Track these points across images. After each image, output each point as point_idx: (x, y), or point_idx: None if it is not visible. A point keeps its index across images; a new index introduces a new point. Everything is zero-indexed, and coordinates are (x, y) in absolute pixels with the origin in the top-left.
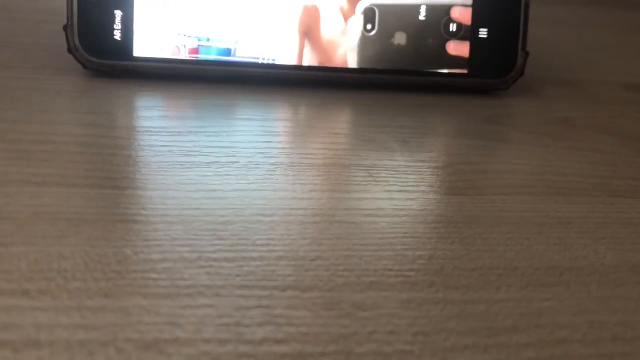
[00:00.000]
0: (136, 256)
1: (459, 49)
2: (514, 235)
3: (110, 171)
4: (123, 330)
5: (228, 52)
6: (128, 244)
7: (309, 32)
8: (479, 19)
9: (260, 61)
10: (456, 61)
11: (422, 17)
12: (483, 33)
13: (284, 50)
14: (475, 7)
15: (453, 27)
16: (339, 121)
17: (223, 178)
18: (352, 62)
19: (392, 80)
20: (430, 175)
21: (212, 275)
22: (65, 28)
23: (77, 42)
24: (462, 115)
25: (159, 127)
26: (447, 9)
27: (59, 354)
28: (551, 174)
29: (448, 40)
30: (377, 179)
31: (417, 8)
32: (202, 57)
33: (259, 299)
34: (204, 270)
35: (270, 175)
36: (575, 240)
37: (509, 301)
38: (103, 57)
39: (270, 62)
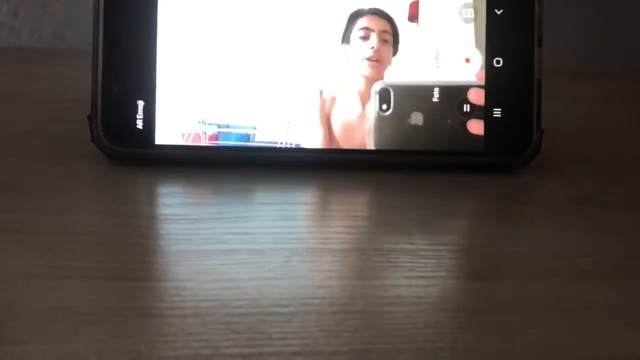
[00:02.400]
0: (149, 353)
1: (474, 127)
2: (536, 325)
3: (128, 262)
4: None
5: (247, 137)
6: (142, 339)
7: (328, 117)
8: (492, 98)
9: (277, 145)
10: (472, 140)
11: (435, 99)
12: (497, 113)
13: (304, 135)
14: (487, 87)
15: (467, 108)
16: (357, 203)
17: (239, 266)
18: (370, 144)
19: (409, 160)
20: (449, 259)
21: None
22: (89, 118)
23: (100, 131)
24: (480, 194)
25: (179, 214)
26: (461, 89)
27: None
28: (573, 255)
29: (463, 120)
30: (395, 264)
31: (430, 89)
32: (221, 143)
33: None
34: None
35: (287, 262)
36: (602, 327)
37: None
38: (125, 145)
39: (288, 145)
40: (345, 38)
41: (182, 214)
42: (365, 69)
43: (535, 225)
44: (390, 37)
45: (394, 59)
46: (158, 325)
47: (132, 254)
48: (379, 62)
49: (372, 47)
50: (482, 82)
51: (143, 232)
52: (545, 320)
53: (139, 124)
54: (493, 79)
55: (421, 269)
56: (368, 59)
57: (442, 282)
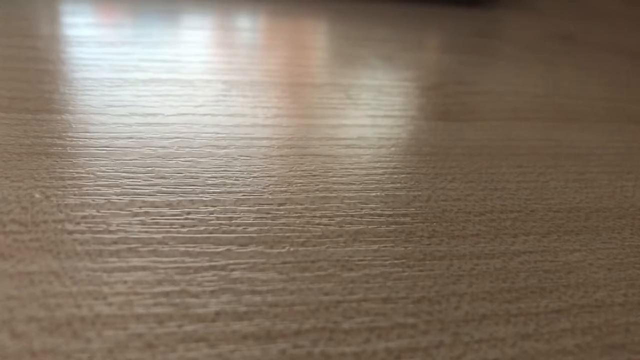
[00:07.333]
0: (47, 200)
1: None
2: (526, 170)
3: (22, 90)
4: (24, 306)
5: None
6: (37, 183)
7: None
8: None
9: None
10: None
11: None
12: None
13: None
14: None
15: None
16: (308, 32)
17: (164, 99)
18: None
19: None
20: (419, 97)
21: (149, 226)
22: None
23: None
24: (450, 27)
25: (86, 36)
26: None
27: None
28: (559, 96)
29: None
30: (357, 102)
31: None
32: None
33: (211, 256)
34: (138, 219)
35: (225, 96)
36: (597, 174)
37: (529, 253)
38: None
39: None
40: None
41: (89, 36)
42: None
43: (514, 63)
44: None
45: None
46: (58, 167)
47: (26, 81)
48: None
49: None
50: None
51: (41, 55)
52: (533, 165)
53: None
54: None
55: (387, 107)
56: None
57: (412, 122)
